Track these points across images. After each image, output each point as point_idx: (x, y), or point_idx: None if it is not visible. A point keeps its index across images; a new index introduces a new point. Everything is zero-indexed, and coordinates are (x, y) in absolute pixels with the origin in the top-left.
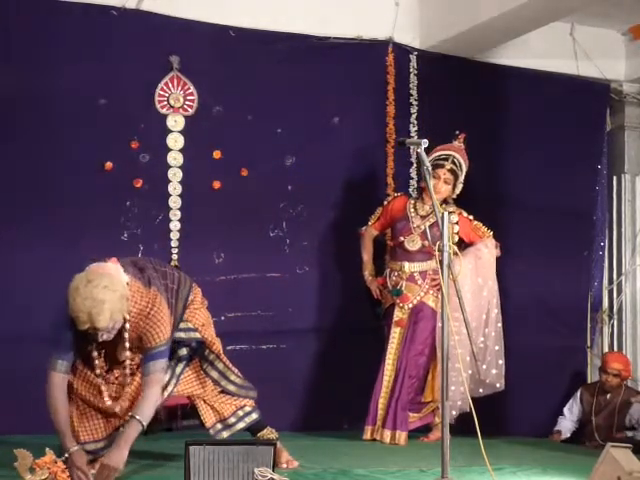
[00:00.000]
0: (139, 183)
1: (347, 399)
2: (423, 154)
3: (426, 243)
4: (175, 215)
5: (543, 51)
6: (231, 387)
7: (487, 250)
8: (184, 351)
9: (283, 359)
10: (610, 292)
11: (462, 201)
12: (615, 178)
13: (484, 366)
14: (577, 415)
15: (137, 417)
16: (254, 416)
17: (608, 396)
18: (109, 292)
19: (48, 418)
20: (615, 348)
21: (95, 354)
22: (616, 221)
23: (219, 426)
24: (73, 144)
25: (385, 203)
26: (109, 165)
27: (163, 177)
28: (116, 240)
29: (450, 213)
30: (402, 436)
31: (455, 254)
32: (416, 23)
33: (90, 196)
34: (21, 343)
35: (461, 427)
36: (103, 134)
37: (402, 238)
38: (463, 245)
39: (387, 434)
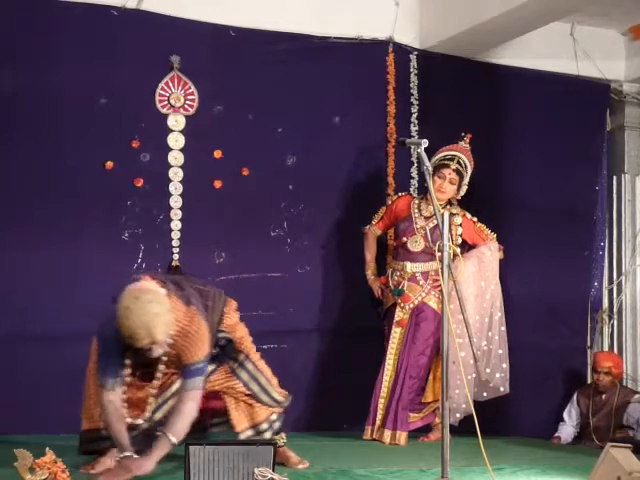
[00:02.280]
0: (140, 183)
1: (348, 399)
2: (423, 154)
3: (429, 244)
4: (176, 215)
5: (543, 51)
6: (263, 396)
7: (490, 253)
8: (213, 350)
9: (284, 359)
10: (610, 292)
11: (462, 201)
12: (615, 178)
13: (488, 369)
14: (576, 419)
15: (169, 435)
16: (278, 424)
17: (603, 396)
18: (158, 305)
19: (48, 418)
20: (615, 348)
21: (128, 366)
22: (616, 221)
23: (250, 432)
24: (74, 144)
25: (389, 202)
26: (110, 165)
27: (164, 176)
28: (117, 239)
29: (454, 214)
30: (402, 436)
31: (455, 255)
32: (416, 23)
33: (91, 195)
34: (21, 343)
35: (461, 427)
36: (104, 134)
37: (405, 239)
38: (467, 247)
39: (387, 434)
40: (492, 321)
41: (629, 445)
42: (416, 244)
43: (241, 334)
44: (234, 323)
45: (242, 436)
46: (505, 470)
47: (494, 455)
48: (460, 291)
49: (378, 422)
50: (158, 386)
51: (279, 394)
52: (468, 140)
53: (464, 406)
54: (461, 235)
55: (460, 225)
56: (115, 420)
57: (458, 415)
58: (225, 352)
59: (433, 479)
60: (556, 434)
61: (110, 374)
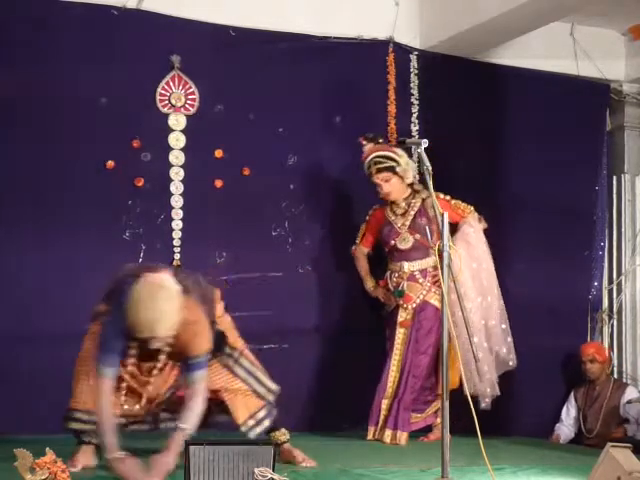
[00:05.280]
0: (141, 182)
1: (348, 399)
2: (423, 154)
3: (417, 237)
4: (177, 214)
5: (543, 51)
6: (258, 386)
7: (473, 229)
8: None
9: (284, 359)
10: (610, 292)
11: (463, 201)
12: (615, 178)
13: (496, 347)
14: (574, 417)
15: (185, 426)
16: (275, 411)
17: (597, 388)
18: (170, 303)
19: (48, 418)
20: (615, 348)
21: (132, 352)
22: (616, 221)
23: (251, 422)
24: (74, 143)
25: (367, 218)
26: (111, 164)
27: (165, 176)
28: (118, 239)
29: (425, 199)
30: (403, 436)
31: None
32: (416, 23)
33: (92, 195)
34: (21, 343)
35: (461, 427)
36: (104, 133)
37: (393, 241)
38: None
39: (388, 434)
40: (492, 298)
41: (629, 445)
42: (405, 242)
43: (228, 326)
44: (221, 314)
45: (244, 428)
46: (505, 470)
47: (494, 455)
48: (459, 289)
49: (381, 423)
50: (157, 376)
51: (271, 382)
52: (366, 141)
53: (489, 390)
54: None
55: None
56: (106, 417)
57: (488, 400)
58: (216, 345)
59: (433, 479)
60: (555, 433)
61: (111, 362)
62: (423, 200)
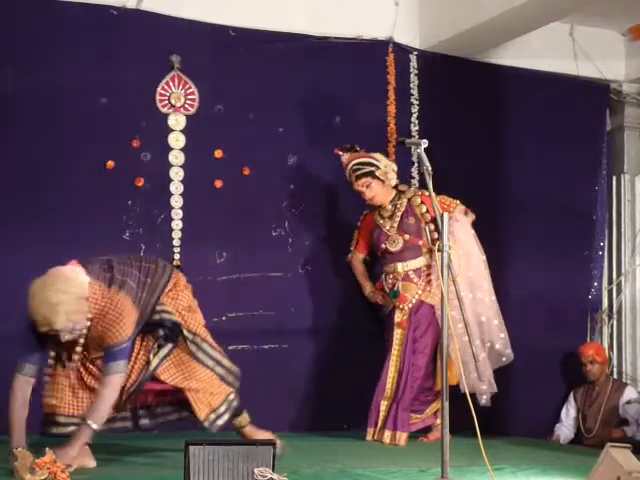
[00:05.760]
0: (141, 182)
1: (348, 399)
2: (423, 154)
3: (407, 237)
4: (177, 214)
5: (543, 51)
6: (219, 369)
7: (459, 224)
8: (160, 332)
9: (285, 359)
10: (610, 292)
11: (463, 201)
12: (615, 178)
13: (488, 343)
14: (573, 417)
15: (89, 422)
16: (235, 403)
17: (596, 388)
18: (62, 294)
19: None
20: (615, 348)
21: (78, 349)
22: (616, 221)
23: (212, 416)
24: (74, 143)
25: (358, 224)
26: (110, 164)
27: (165, 176)
28: (118, 239)
29: (411, 198)
30: (402, 437)
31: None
32: (416, 23)
33: (91, 195)
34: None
35: (461, 427)
36: (104, 133)
37: (383, 245)
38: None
39: (387, 434)
40: (483, 292)
41: (629, 445)
42: (395, 244)
43: (193, 316)
44: (184, 305)
45: (206, 423)
46: (505, 470)
47: (494, 455)
48: (459, 291)
49: (380, 424)
50: (76, 369)
51: (233, 364)
52: (342, 151)
53: (485, 387)
54: (428, 212)
55: (422, 203)
56: (19, 409)
57: (485, 397)
58: (173, 333)
59: (433, 479)
60: (555, 433)
61: (29, 358)
62: (409, 200)
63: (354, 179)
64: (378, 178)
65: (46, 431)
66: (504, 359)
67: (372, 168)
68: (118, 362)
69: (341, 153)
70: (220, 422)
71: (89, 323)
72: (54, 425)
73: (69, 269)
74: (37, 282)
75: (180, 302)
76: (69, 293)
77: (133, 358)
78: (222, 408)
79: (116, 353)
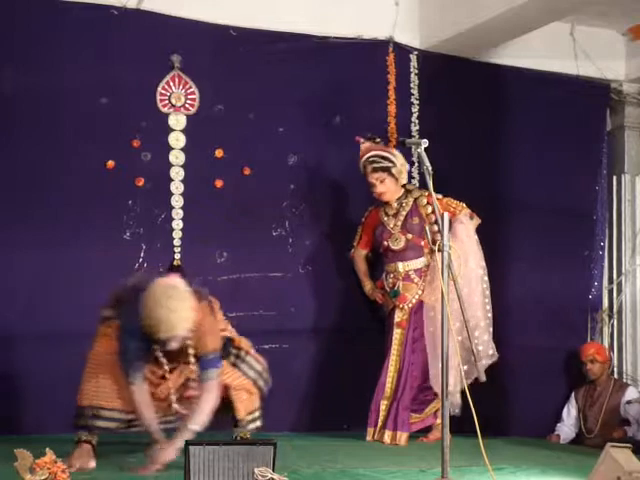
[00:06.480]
0: (141, 182)
1: (348, 399)
2: (423, 154)
3: (409, 237)
4: (177, 214)
5: (543, 51)
6: (257, 378)
7: (462, 226)
8: None
9: (285, 359)
10: (610, 292)
11: (462, 201)
12: (615, 178)
13: (475, 341)
14: (575, 417)
15: (189, 425)
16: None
17: (598, 389)
18: (184, 303)
19: (48, 418)
20: (615, 348)
21: (162, 359)
22: (616, 221)
23: (249, 418)
24: (75, 143)
25: (362, 220)
26: (111, 164)
27: (165, 176)
28: (118, 239)
29: (417, 198)
30: (403, 437)
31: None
32: (416, 23)
33: (92, 195)
34: (22, 343)
35: (461, 427)
36: (105, 133)
37: (386, 242)
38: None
39: (388, 434)
40: (473, 294)
41: (629, 445)
42: (397, 242)
43: (230, 330)
44: (222, 321)
45: (243, 422)
46: (505, 470)
47: (494, 455)
48: (459, 290)
49: (380, 424)
50: (164, 376)
51: (268, 376)
52: (364, 139)
53: (466, 367)
54: (433, 213)
55: (428, 204)
56: (145, 409)
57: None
58: (225, 348)
59: (433, 479)
60: (555, 433)
61: (137, 369)
62: (415, 200)
63: (370, 170)
64: (393, 175)
65: (88, 424)
66: (490, 352)
67: (390, 164)
68: (214, 369)
69: (362, 141)
70: (252, 426)
71: (189, 334)
72: (97, 419)
73: (179, 280)
74: (156, 290)
75: (228, 329)
76: (188, 302)
77: (178, 372)
78: (257, 413)
79: (212, 361)
